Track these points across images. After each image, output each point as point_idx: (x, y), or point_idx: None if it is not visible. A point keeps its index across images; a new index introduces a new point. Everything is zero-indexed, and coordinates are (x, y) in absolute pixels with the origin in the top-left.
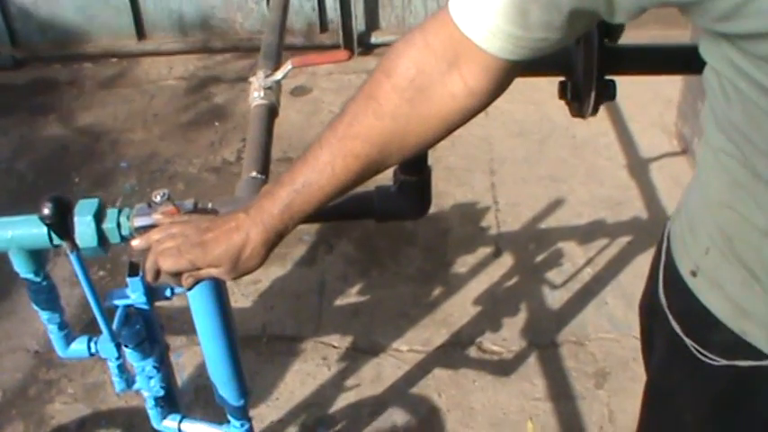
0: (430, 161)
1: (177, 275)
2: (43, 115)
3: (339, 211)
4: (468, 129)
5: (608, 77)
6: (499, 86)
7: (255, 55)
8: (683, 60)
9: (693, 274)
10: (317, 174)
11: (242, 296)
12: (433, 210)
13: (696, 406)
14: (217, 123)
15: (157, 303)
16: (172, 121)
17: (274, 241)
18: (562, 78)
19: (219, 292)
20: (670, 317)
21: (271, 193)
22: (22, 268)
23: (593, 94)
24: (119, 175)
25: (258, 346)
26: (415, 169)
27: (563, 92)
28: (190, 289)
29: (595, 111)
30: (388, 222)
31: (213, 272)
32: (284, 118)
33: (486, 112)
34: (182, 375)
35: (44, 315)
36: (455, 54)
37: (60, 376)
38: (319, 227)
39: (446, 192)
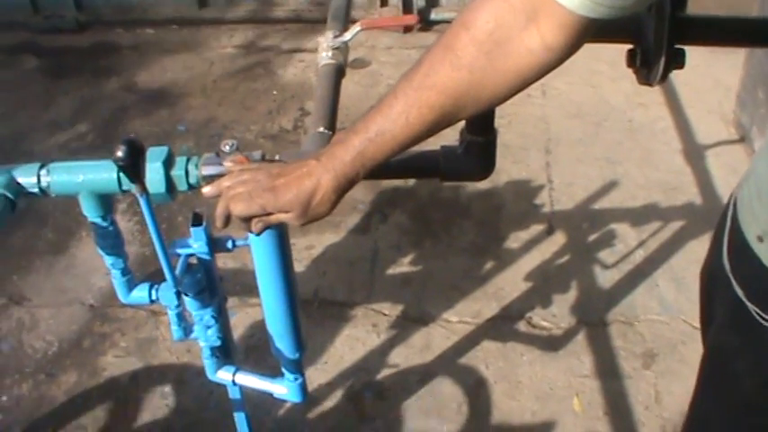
0: None
1: (247, 221)
2: (105, 77)
3: (405, 168)
4: (526, 108)
5: (677, 46)
6: (574, 44)
7: (316, 26)
8: (754, 32)
9: (760, 239)
10: (390, 123)
11: (295, 261)
12: (487, 185)
13: (756, 372)
14: (275, 92)
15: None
16: (230, 88)
17: (345, 188)
18: (630, 47)
19: (283, 242)
20: (734, 282)
21: (343, 141)
22: (90, 212)
23: (662, 61)
24: (176, 138)
25: (310, 311)
26: (483, 130)
27: (632, 59)
28: (259, 234)
29: (663, 78)
30: (444, 193)
31: (283, 217)
32: (342, 89)
33: (543, 91)
34: (235, 334)
35: (108, 260)
36: (534, 9)
37: (114, 330)
38: (374, 197)
39: (501, 168)
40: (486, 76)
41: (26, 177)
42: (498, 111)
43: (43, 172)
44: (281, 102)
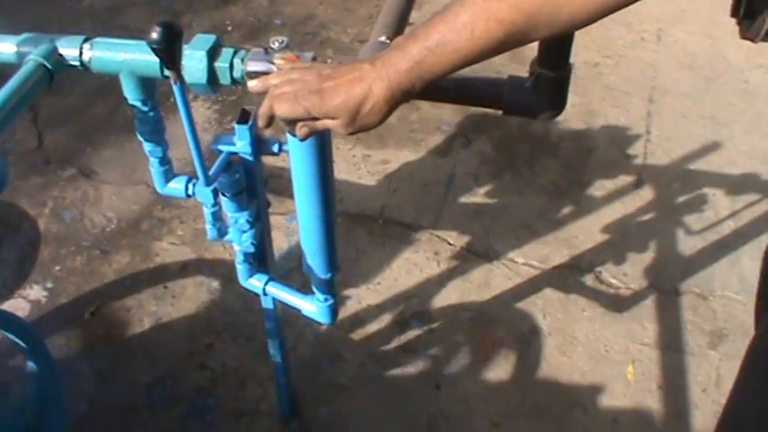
0: (589, 76)
1: (292, 123)
2: None
3: (465, 93)
4: (637, 51)
5: None
6: None
7: None
8: None
9: None
10: (454, 33)
11: (367, 173)
12: (580, 126)
13: None
14: None
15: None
16: None
17: (398, 99)
18: None
19: (323, 152)
20: None
21: (401, 47)
22: (130, 94)
23: None
24: (271, 31)
25: (372, 227)
26: (556, 63)
27: (736, 7)
28: (303, 139)
29: None
30: (534, 127)
31: (329, 123)
32: None
33: (658, 36)
34: (290, 240)
35: (147, 146)
36: None
37: (173, 217)
38: (461, 119)
39: (599, 111)
40: None
41: (69, 49)
42: (606, 50)
43: (86, 45)
44: None
